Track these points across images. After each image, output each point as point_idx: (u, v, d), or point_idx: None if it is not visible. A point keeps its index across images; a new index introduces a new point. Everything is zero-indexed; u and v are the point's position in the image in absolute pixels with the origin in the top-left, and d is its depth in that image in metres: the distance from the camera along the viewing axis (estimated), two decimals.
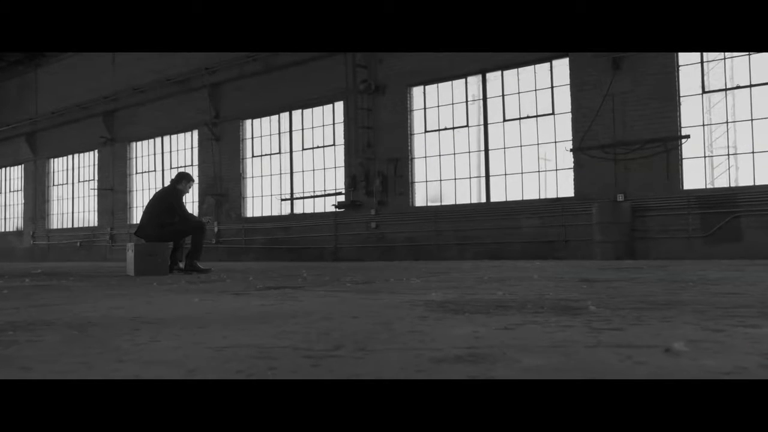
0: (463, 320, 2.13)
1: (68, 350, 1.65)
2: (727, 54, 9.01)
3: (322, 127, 13.50)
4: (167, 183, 8.35)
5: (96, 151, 18.37)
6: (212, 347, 1.65)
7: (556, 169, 10.47)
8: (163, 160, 16.70)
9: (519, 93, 10.87)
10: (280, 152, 14.23)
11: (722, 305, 2.44)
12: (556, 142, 10.42)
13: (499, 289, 3.57)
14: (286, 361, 1.44)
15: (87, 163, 19.01)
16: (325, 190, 13.32)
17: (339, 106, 13.06)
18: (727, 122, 9.21)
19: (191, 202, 15.28)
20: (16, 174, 21.65)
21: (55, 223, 19.99)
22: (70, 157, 19.50)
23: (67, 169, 19.69)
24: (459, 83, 11.57)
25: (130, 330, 2.04)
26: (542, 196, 10.63)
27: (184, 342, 1.75)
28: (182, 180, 7.38)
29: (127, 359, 1.50)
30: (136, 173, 17.47)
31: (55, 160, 20.04)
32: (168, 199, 7.18)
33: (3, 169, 22.15)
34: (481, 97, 11.32)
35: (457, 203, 11.55)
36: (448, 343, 1.63)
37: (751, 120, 8.82)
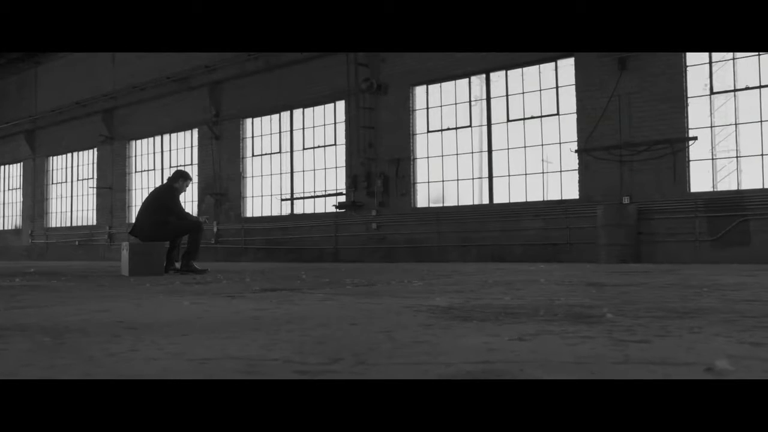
0: (471, 328, 1.97)
1: (34, 361, 1.48)
2: (736, 54, 8.83)
3: (323, 126, 13.34)
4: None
5: (95, 149, 18.22)
6: (195, 359, 1.48)
7: (560, 171, 10.29)
8: (163, 158, 16.54)
9: (523, 93, 10.69)
10: (280, 152, 14.07)
11: (750, 314, 2.27)
12: (560, 143, 10.25)
13: (506, 294, 3.40)
14: (276, 377, 1.27)
15: (86, 161, 18.85)
16: (325, 191, 13.16)
17: (340, 105, 12.89)
18: (736, 123, 9.03)
19: (190, 201, 15.13)
20: (15, 172, 21.51)
21: (54, 221, 19.83)
22: (69, 155, 19.34)
23: (66, 168, 19.54)
24: (462, 83, 11.40)
25: (109, 337, 1.87)
26: (546, 198, 10.45)
27: (165, 352, 1.58)
28: (179, 178, 7.22)
29: (97, 373, 1.33)
30: (136, 172, 17.31)
31: (54, 158, 19.88)
32: (164, 197, 7.01)
33: (2, 166, 22.00)
34: (485, 97, 11.16)
35: (460, 204, 11.38)
36: (457, 356, 1.46)
37: (761, 122, 8.65)
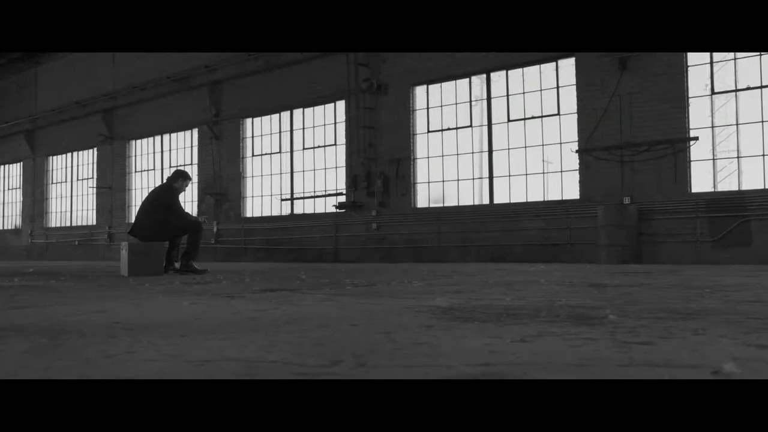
0: (472, 330, 1.95)
1: (30, 362, 1.46)
2: (737, 54, 8.81)
3: (324, 126, 13.32)
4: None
5: (95, 149, 18.19)
6: (192, 361, 1.46)
7: (561, 171, 10.27)
8: (163, 158, 16.52)
9: (524, 93, 10.67)
10: (280, 151, 14.05)
11: (754, 315, 2.25)
12: (561, 143, 10.22)
13: (506, 294, 3.38)
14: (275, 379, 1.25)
15: (86, 161, 18.83)
16: (325, 191, 13.13)
17: (341, 105, 12.87)
18: (737, 124, 9.01)
19: (190, 201, 15.10)
20: (14, 171, 21.49)
21: (54, 221, 19.81)
22: (69, 154, 19.32)
23: (66, 167, 19.52)
24: (462, 83, 11.38)
25: (106, 338, 1.85)
26: (546, 198, 10.43)
27: (162, 354, 1.57)
28: (178, 178, 7.19)
29: (93, 374, 1.31)
30: (135, 172, 17.29)
31: (54, 157, 19.86)
32: (163, 197, 6.99)
33: (2, 166, 21.98)
34: (485, 97, 11.14)
35: (460, 204, 11.36)
36: (459, 358, 1.44)
37: (762, 122, 8.63)
